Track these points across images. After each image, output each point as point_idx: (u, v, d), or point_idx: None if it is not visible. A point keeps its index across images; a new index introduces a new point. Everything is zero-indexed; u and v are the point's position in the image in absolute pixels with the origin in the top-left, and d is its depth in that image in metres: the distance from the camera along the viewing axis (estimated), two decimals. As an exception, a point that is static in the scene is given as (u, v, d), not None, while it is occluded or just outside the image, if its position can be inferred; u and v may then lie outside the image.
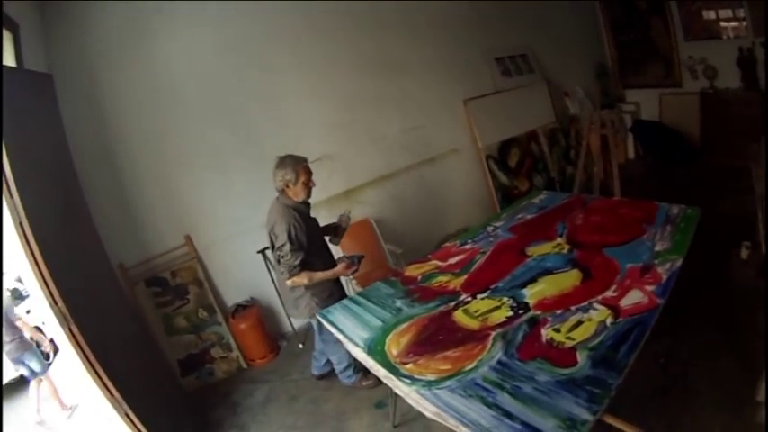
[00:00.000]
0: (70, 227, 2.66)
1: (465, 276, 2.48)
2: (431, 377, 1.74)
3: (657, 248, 2.34)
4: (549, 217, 3.04)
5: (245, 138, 3.71)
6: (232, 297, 3.76)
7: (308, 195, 2.54)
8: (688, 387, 2.42)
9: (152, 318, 3.39)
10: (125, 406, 2.20)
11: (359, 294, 2.51)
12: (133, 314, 3.27)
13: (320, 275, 2.51)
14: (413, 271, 2.67)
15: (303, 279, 2.46)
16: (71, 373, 2.23)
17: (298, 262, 2.41)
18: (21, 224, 1.97)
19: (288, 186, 2.48)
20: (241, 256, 3.73)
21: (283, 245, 2.39)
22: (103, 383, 2.14)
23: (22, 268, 2.04)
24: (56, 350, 3.80)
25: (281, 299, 3.77)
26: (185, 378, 3.44)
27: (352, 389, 2.98)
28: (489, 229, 3.03)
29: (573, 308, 1.98)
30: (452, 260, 2.70)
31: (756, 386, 2.15)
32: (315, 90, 3.97)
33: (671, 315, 1.88)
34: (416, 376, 1.76)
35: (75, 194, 2.97)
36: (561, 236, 2.71)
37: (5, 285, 4.15)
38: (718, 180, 4.74)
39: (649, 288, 2.01)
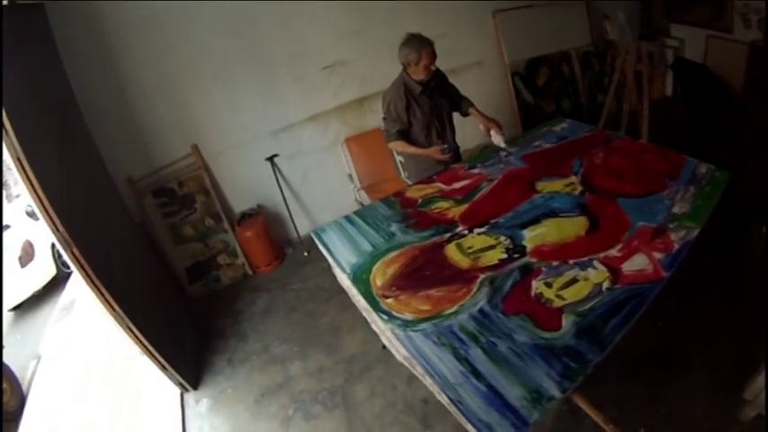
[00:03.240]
0: (69, 151, 2.61)
1: (466, 205, 2.35)
2: (408, 317, 1.70)
3: (675, 210, 2.06)
4: (566, 149, 2.78)
5: (252, 45, 3.47)
6: (239, 205, 3.79)
7: (428, 77, 2.61)
8: (681, 361, 2.31)
9: (160, 228, 3.46)
10: (127, 320, 2.34)
11: (355, 213, 2.45)
12: (139, 227, 3.34)
13: (411, 150, 2.73)
14: (414, 192, 2.57)
15: (397, 146, 2.76)
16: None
17: (394, 130, 2.68)
18: (18, 159, 1.94)
19: (410, 65, 2.58)
20: (248, 163, 3.70)
21: (385, 113, 2.72)
22: (107, 301, 2.26)
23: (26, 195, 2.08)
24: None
25: (286, 205, 3.84)
26: (192, 285, 3.59)
27: (350, 304, 3.02)
28: (502, 153, 2.82)
29: (571, 261, 1.83)
30: (457, 185, 2.57)
31: (747, 384, 2.01)
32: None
33: (682, 278, 1.73)
34: (394, 313, 1.73)
35: (72, 114, 2.89)
36: (576, 174, 2.48)
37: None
38: (755, 140, 4.16)
39: (657, 256, 1.81)
